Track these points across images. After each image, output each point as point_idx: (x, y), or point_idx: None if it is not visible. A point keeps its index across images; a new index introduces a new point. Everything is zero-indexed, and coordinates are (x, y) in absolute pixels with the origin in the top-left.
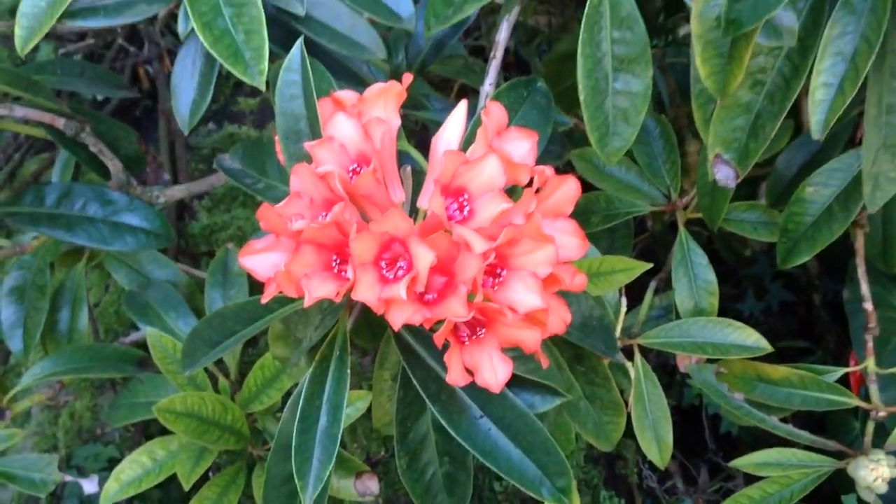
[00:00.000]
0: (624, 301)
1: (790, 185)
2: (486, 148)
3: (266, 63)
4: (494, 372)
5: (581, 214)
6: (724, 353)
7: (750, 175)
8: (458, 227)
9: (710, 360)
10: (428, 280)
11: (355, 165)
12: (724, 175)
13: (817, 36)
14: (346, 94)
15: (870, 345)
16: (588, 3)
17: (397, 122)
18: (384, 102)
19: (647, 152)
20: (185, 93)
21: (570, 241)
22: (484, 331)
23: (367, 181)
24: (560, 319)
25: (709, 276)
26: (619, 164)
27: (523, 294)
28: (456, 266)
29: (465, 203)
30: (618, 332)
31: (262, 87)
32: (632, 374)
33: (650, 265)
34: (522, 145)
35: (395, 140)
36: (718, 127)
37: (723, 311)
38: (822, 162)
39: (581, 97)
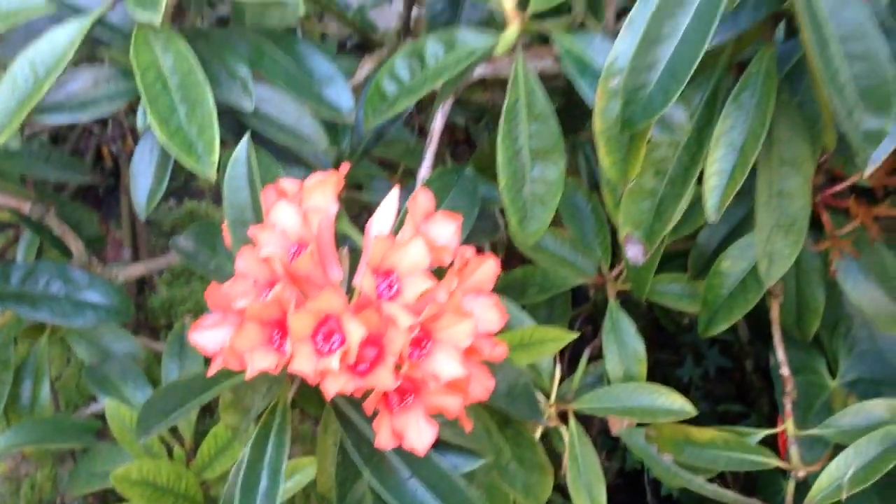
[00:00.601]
0: (559, 368)
1: (711, 258)
2: (413, 232)
3: (216, 155)
4: (420, 436)
5: (519, 287)
6: (651, 416)
7: (682, 249)
8: (386, 305)
9: (640, 424)
10: (360, 352)
11: (295, 248)
12: (635, 253)
13: (711, 129)
14: (289, 184)
15: (788, 408)
16: (506, 100)
17: (335, 208)
18: (323, 191)
19: (580, 228)
20: (143, 180)
21: (490, 314)
22: (412, 398)
23: (306, 263)
24: (483, 387)
25: (637, 344)
26: (555, 239)
27: (445, 364)
28: (385, 339)
29: (394, 282)
30: (552, 398)
31: (213, 178)
32: (566, 437)
33: (577, 335)
34: (448, 228)
35: (333, 224)
36: (627, 210)
37: (663, 377)
38: (738, 237)
39: (501, 184)
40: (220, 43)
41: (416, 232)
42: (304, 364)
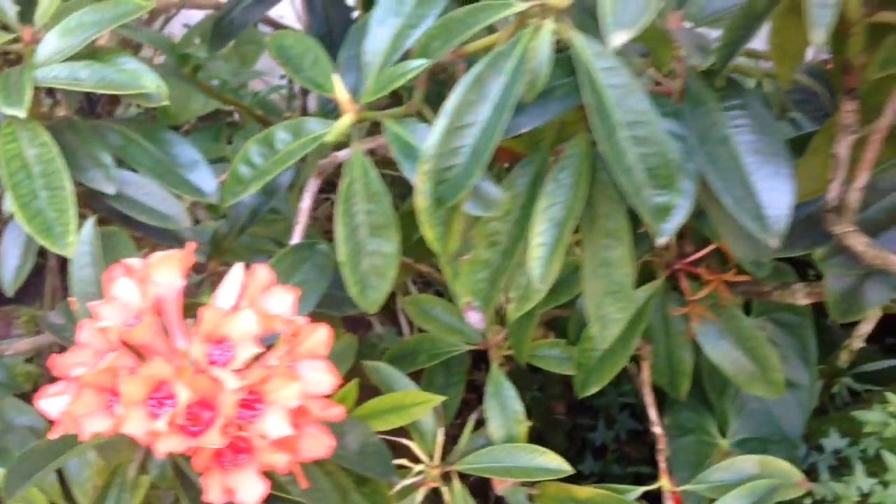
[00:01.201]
0: (441, 431)
1: (586, 324)
2: (248, 303)
3: (73, 236)
4: (251, 492)
5: (410, 354)
6: (529, 476)
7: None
8: (215, 370)
9: (524, 484)
10: (195, 414)
11: (136, 320)
12: (474, 319)
13: (535, 205)
14: (134, 261)
15: (662, 465)
16: (343, 182)
17: (180, 282)
18: (166, 267)
19: None
20: (10, 260)
21: (323, 377)
22: (244, 456)
23: (142, 333)
24: (324, 446)
25: (517, 406)
26: (443, 309)
27: (274, 424)
28: (217, 402)
29: (227, 348)
30: (436, 459)
31: (71, 256)
32: (446, 497)
33: (443, 398)
34: (285, 300)
35: (180, 297)
36: (466, 280)
37: (582, 441)
38: None
39: (341, 258)
40: (88, 133)
41: (250, 303)
42: (134, 426)
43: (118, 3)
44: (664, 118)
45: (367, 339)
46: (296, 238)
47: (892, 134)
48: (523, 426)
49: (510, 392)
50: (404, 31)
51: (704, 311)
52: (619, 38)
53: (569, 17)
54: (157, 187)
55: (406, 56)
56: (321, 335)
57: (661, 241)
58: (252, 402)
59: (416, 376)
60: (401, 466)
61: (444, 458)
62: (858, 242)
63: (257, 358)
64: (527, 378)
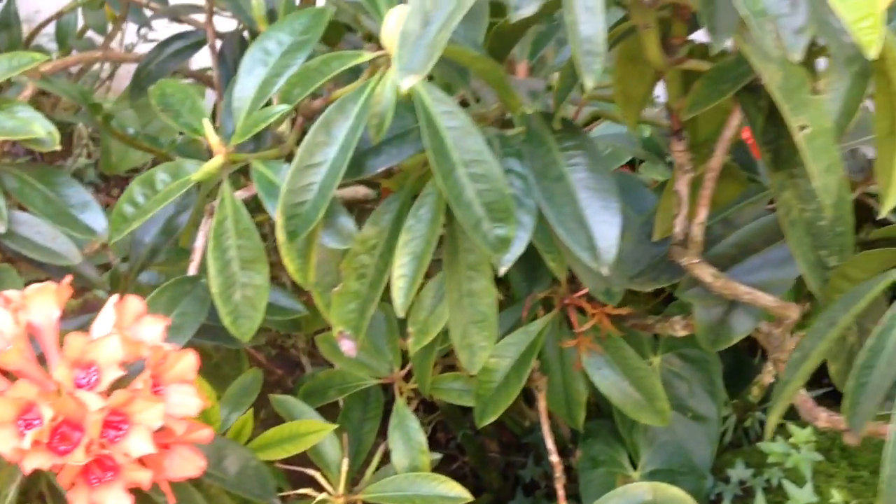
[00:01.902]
0: (346, 461)
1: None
2: (117, 330)
3: None
4: None
5: (321, 388)
6: None
7: None
8: (79, 392)
9: None
10: (65, 434)
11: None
12: (348, 347)
13: (397, 240)
14: (12, 293)
15: (560, 493)
16: (215, 219)
17: (56, 313)
18: (42, 299)
19: (373, 335)
20: None
21: (189, 401)
22: (111, 474)
23: (11, 358)
24: (194, 466)
25: (420, 437)
26: None
27: (137, 443)
28: (84, 422)
29: (94, 372)
30: (341, 489)
31: None
32: None
33: (335, 426)
34: (155, 328)
35: (56, 326)
36: (338, 311)
37: (515, 478)
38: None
39: (214, 290)
40: None
41: (120, 331)
42: (2, 445)
43: (13, 57)
44: (509, 157)
45: (302, 380)
46: (191, 273)
47: (732, 173)
48: (426, 456)
49: (413, 424)
50: (270, 79)
51: (591, 343)
52: (408, 82)
53: None
54: (49, 227)
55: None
56: (188, 361)
57: (501, 270)
58: (118, 422)
59: (334, 412)
60: (303, 496)
61: (352, 488)
62: (705, 273)
63: (128, 382)
64: (458, 416)
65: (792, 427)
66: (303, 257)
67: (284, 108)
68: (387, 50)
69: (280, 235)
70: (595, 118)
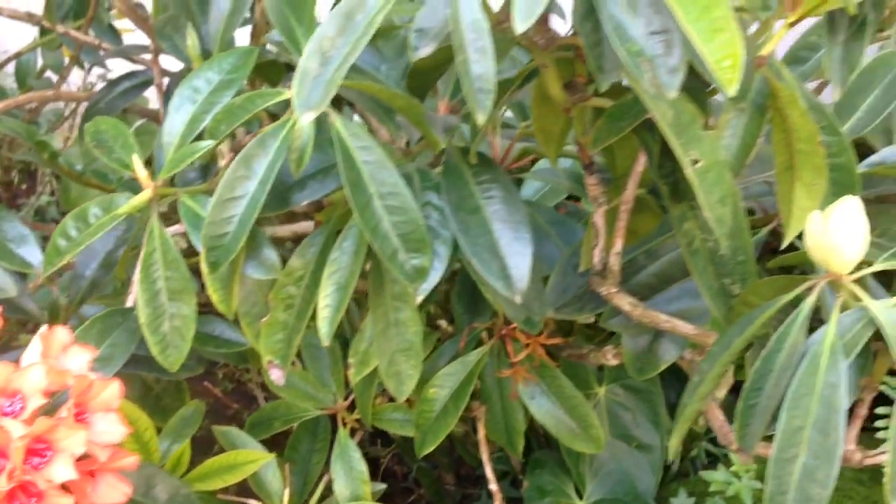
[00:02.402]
0: (287, 491)
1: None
2: (42, 360)
3: None
4: None
5: (266, 420)
6: None
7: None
8: (3, 420)
9: None
10: None
11: None
12: (276, 376)
13: (322, 271)
14: None
15: None
16: (143, 252)
17: None
18: None
19: (317, 367)
20: None
21: (113, 428)
22: (35, 500)
23: None
24: (120, 492)
25: (361, 466)
26: (298, 377)
27: (59, 469)
28: (8, 449)
29: (19, 401)
30: None
31: None
32: None
33: (272, 456)
34: (81, 358)
35: None
36: (266, 341)
37: None
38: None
39: (142, 321)
40: None
41: (46, 360)
42: None
43: None
44: (428, 190)
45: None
46: (129, 305)
47: (648, 205)
48: (367, 485)
49: (355, 454)
50: (198, 116)
51: (526, 373)
52: (306, 118)
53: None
54: None
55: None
56: (113, 390)
57: (418, 299)
58: (42, 449)
59: (282, 443)
60: None
61: None
62: (623, 303)
63: (54, 410)
64: (413, 449)
65: (734, 456)
66: (226, 287)
67: (209, 143)
68: None
69: (203, 266)
70: (526, 153)
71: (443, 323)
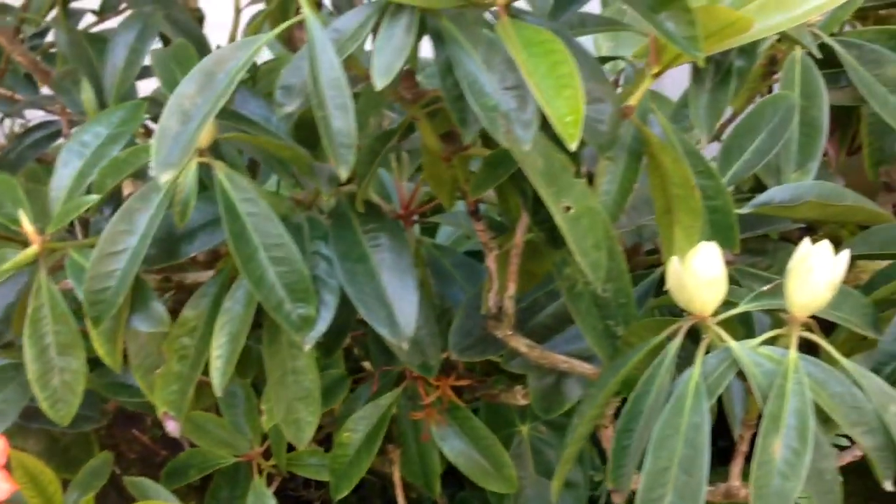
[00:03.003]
0: None
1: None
2: None
3: None
4: None
5: (182, 468)
6: None
7: None
8: None
9: None
10: None
11: None
12: (172, 427)
13: (214, 323)
14: None
15: None
16: (30, 307)
17: None
18: None
19: (233, 413)
20: None
21: (1, 485)
22: None
23: None
24: None
25: None
26: (215, 424)
27: None
28: None
29: None
30: None
31: None
32: None
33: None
34: None
35: None
36: (161, 392)
37: None
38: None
39: (30, 377)
40: None
41: None
42: None
43: None
44: (316, 240)
45: None
46: None
47: (537, 250)
48: None
49: (270, 501)
50: (85, 170)
51: (438, 415)
52: (165, 177)
53: (212, 153)
54: None
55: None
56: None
57: (306, 347)
58: None
59: (201, 491)
60: None
61: None
62: (520, 345)
63: None
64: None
65: None
66: (111, 341)
67: (94, 197)
68: None
69: (89, 324)
70: (431, 199)
71: (367, 364)
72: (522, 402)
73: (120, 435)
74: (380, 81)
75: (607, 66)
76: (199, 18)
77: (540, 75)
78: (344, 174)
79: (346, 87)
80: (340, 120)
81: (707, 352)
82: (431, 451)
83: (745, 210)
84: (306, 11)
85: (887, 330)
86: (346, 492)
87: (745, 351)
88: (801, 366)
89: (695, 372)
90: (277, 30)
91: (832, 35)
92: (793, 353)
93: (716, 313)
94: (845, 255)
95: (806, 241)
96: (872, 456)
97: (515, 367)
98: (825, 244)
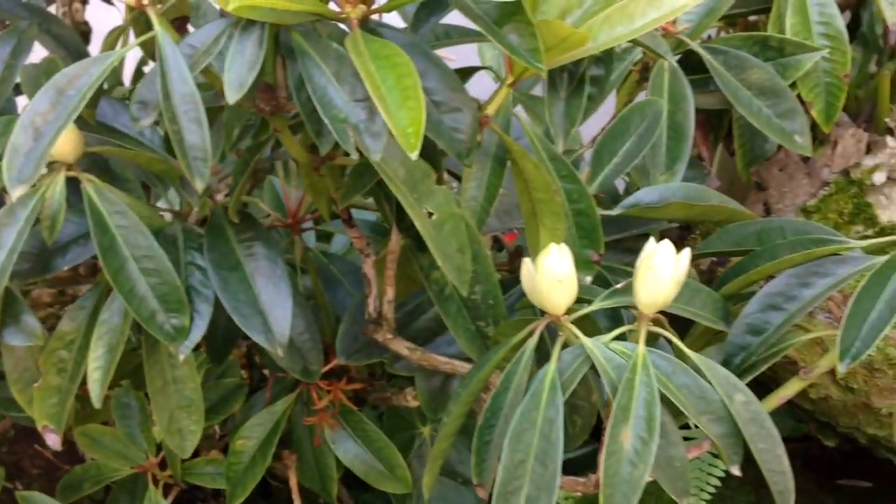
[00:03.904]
0: None
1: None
2: None
3: None
4: None
5: (77, 482)
6: None
7: None
8: None
9: None
10: None
11: None
12: (52, 441)
13: (93, 333)
14: None
15: None
16: None
17: None
18: None
19: (127, 424)
20: None
21: None
22: None
23: None
24: None
25: None
26: (111, 438)
27: None
28: None
29: None
30: None
31: None
32: None
33: None
34: None
35: None
36: (40, 406)
37: None
38: None
39: None
40: None
41: None
42: None
43: None
44: (191, 250)
45: None
46: None
47: (409, 273)
48: None
49: None
50: None
51: (330, 419)
52: (16, 192)
53: (80, 166)
54: None
55: None
56: None
57: (181, 357)
58: None
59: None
60: None
61: None
62: (400, 348)
63: None
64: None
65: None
66: None
67: None
68: (55, 156)
69: None
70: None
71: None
72: (413, 403)
73: (22, 451)
74: (231, 96)
75: None
76: (85, 32)
77: (387, 87)
78: (200, 186)
79: (199, 101)
80: (194, 134)
81: (564, 348)
82: (327, 456)
83: (615, 212)
84: (157, 28)
85: (735, 323)
86: (241, 498)
87: (597, 347)
88: (650, 359)
89: (550, 368)
90: (129, 47)
91: (702, 42)
92: (641, 347)
93: (570, 311)
94: (686, 252)
95: (651, 240)
96: (719, 443)
97: (400, 369)
98: (666, 243)
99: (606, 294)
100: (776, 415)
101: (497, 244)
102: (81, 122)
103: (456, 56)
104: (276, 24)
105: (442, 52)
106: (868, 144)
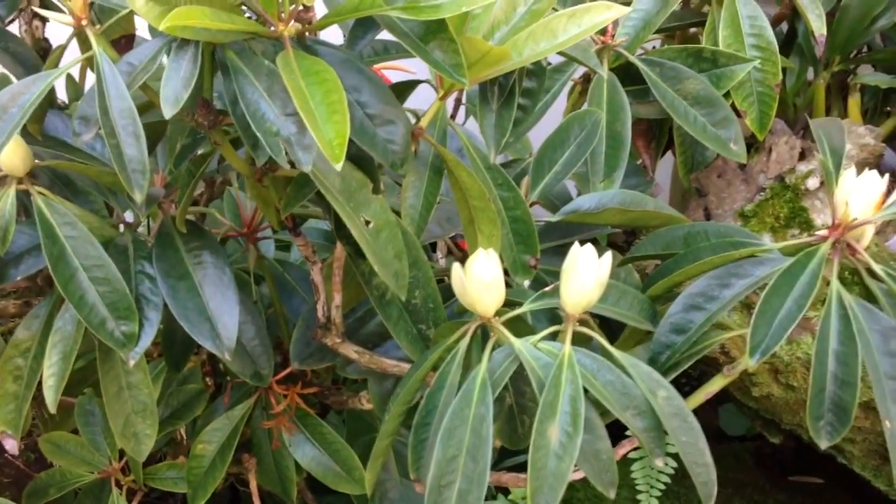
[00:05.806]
0: None
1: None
2: None
3: None
4: None
5: (42, 488)
6: None
7: None
8: None
9: None
10: None
11: None
12: (11, 446)
13: (47, 341)
14: None
15: None
16: None
17: None
18: None
19: (91, 431)
20: None
21: None
22: None
23: None
24: None
25: None
26: (75, 444)
27: None
28: None
29: None
30: None
31: None
32: None
33: None
34: None
35: None
36: None
37: None
38: None
39: None
40: None
41: None
42: None
43: None
44: (141, 260)
45: None
46: None
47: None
48: None
49: None
50: None
51: (288, 423)
52: None
53: (32, 179)
54: None
55: None
56: None
57: (131, 363)
58: None
59: None
60: None
61: None
62: (349, 351)
63: None
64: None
65: (515, 489)
66: None
67: None
68: (6, 170)
69: None
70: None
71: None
72: (367, 406)
73: None
74: (168, 111)
75: None
76: (46, 49)
77: (315, 102)
78: (139, 198)
79: (137, 116)
80: (133, 148)
81: (496, 349)
82: (286, 459)
83: (555, 218)
84: (95, 47)
85: (661, 323)
86: (202, 501)
87: (525, 347)
88: (575, 357)
89: (481, 367)
90: (69, 64)
91: (641, 53)
92: (567, 346)
93: (501, 313)
94: (608, 256)
95: (575, 244)
96: (642, 437)
97: (351, 373)
98: (589, 247)
99: (535, 296)
100: (730, 414)
101: (460, 251)
102: (30, 138)
103: (416, 70)
104: (210, 41)
105: (401, 64)
106: (802, 151)
